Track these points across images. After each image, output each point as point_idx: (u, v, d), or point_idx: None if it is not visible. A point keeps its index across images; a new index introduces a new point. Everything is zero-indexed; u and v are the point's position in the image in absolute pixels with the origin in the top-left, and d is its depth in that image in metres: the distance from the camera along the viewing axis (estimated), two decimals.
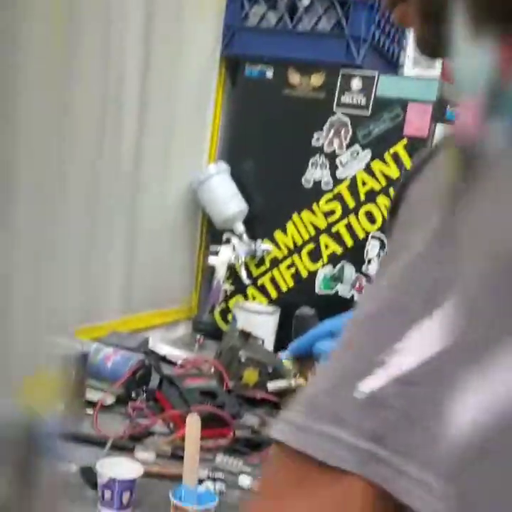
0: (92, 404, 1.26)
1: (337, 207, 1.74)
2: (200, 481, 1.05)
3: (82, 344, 1.25)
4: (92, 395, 1.29)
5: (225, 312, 1.87)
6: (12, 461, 0.32)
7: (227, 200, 1.82)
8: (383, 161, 1.68)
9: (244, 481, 1.08)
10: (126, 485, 0.95)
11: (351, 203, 1.72)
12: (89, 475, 1.02)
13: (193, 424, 0.98)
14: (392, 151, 1.67)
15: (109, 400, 1.30)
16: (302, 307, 1.49)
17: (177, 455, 1.12)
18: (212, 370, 1.45)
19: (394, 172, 1.66)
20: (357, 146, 1.71)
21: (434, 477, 0.44)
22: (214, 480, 1.06)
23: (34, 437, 0.33)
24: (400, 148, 1.66)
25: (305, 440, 0.39)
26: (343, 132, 1.72)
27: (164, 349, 1.66)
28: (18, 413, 0.32)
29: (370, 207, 1.69)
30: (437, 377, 0.46)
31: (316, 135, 1.76)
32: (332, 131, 1.74)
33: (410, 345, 0.50)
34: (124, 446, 1.14)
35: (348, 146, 1.72)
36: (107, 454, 1.11)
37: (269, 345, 1.70)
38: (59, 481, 0.34)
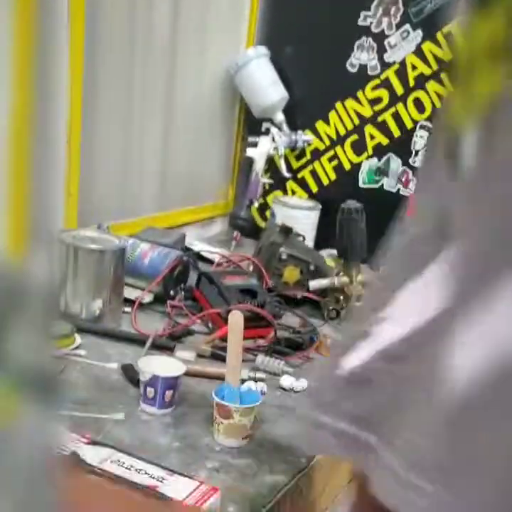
0: (129, 302, 1.24)
1: (384, 94, 1.62)
2: (242, 381, 1.04)
3: (119, 239, 1.20)
4: (129, 293, 1.27)
5: (263, 208, 1.80)
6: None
7: (266, 86, 1.71)
8: (435, 42, 1.54)
9: (286, 381, 1.05)
10: (169, 382, 0.93)
11: (399, 90, 1.59)
12: (130, 372, 1.01)
13: (235, 321, 0.94)
14: (445, 30, 1.52)
15: (147, 298, 1.27)
16: (348, 201, 1.42)
17: (217, 355, 1.10)
18: (252, 267, 1.40)
19: (447, 54, 1.52)
20: (407, 26, 1.57)
21: (422, 478, 0.39)
22: (255, 380, 1.04)
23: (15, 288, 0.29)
24: (454, 27, 1.51)
25: (301, 432, 0.35)
26: (392, 10, 1.58)
27: (200, 246, 1.61)
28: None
29: (419, 93, 1.57)
30: (431, 341, 0.40)
31: (362, 14, 1.61)
32: (380, 9, 1.59)
33: (397, 312, 0.43)
34: (163, 345, 1.12)
35: (398, 25, 1.58)
36: (146, 353, 1.09)
37: (310, 242, 1.65)
38: (54, 329, 0.30)
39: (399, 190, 1.64)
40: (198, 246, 1.64)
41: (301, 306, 1.37)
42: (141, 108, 1.52)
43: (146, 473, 0.73)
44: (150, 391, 0.93)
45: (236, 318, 0.94)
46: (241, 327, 0.94)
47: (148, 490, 0.70)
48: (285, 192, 1.81)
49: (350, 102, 1.67)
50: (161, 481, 0.72)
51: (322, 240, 1.65)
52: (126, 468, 0.74)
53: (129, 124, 1.50)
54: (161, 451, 0.84)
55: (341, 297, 1.30)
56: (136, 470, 0.73)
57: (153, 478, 0.72)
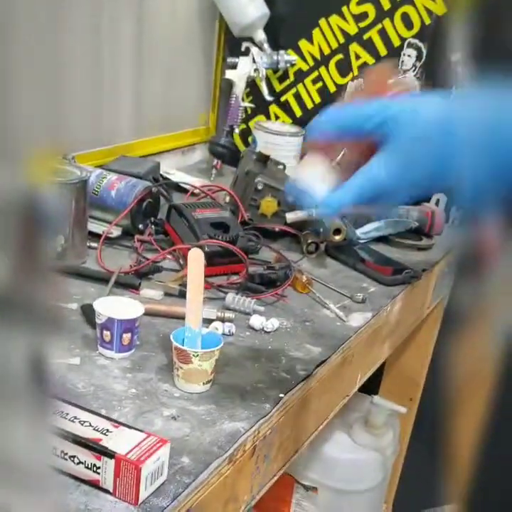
0: (98, 237, 1.17)
1: (370, 9, 1.50)
2: (210, 321, 0.98)
3: (80, 169, 1.12)
4: (96, 228, 1.20)
5: (245, 133, 1.71)
6: (12, 240, 0.25)
7: (245, 3, 1.59)
8: None
9: (256, 320, 1.00)
10: (126, 325, 0.87)
11: (386, 4, 1.47)
12: (90, 313, 0.96)
13: (195, 258, 0.88)
14: None
15: (115, 232, 1.20)
16: None
17: (185, 293, 1.04)
18: (228, 199, 1.33)
19: None
20: None
21: None
22: (223, 320, 0.99)
23: (36, 213, 0.25)
24: None
25: None
26: None
27: (177, 176, 1.54)
28: (19, 187, 0.24)
29: (407, 8, 1.45)
30: None
31: None
32: None
33: None
34: (128, 283, 1.06)
35: None
36: (110, 292, 1.04)
37: (292, 170, 1.56)
38: (59, 263, 0.28)
39: None
40: (175, 175, 1.56)
41: (280, 240, 1.30)
42: (110, 29, 1.41)
43: (90, 425, 0.68)
44: (106, 334, 0.87)
45: (195, 256, 0.87)
46: (201, 265, 0.87)
47: (90, 443, 0.66)
48: (268, 117, 1.71)
49: (334, 19, 1.55)
50: (105, 434, 0.67)
51: None
52: (69, 420, 0.69)
53: (98, 46, 1.40)
54: (115, 398, 0.80)
55: (321, 230, 1.23)
56: (80, 422, 0.69)
57: (97, 430, 0.68)
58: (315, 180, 0.65)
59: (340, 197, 0.63)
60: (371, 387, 1.48)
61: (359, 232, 1.33)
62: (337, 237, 1.19)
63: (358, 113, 0.63)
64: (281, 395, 0.85)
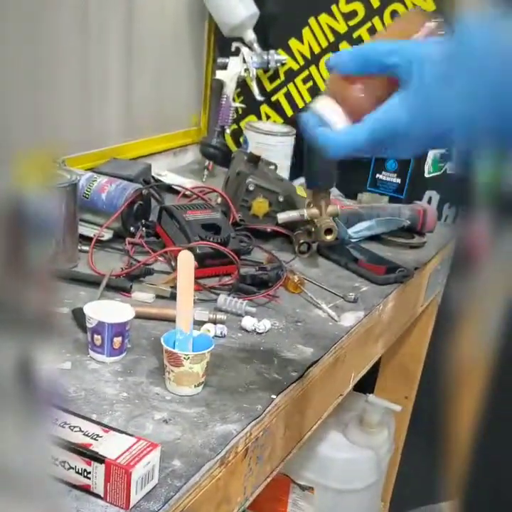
0: (89, 240, 1.17)
1: (359, 7, 1.50)
2: (202, 323, 0.98)
3: (70, 173, 1.12)
4: (87, 231, 1.20)
5: (237, 134, 1.71)
6: (2, 244, 0.25)
7: (235, 2, 1.59)
8: None
9: (248, 322, 1.00)
10: (117, 329, 0.87)
11: (375, 2, 1.47)
12: (81, 317, 0.95)
13: (185, 261, 0.88)
14: None
15: (107, 235, 1.20)
16: None
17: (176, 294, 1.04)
18: (219, 200, 1.33)
19: None
20: None
21: None
22: (214, 322, 0.99)
23: (26, 217, 0.25)
24: None
25: None
26: None
27: (169, 177, 1.53)
28: (8, 190, 0.24)
29: (396, 6, 1.45)
30: None
31: None
32: None
33: None
34: (119, 287, 1.06)
35: None
36: (102, 295, 1.04)
37: (284, 171, 1.56)
38: (51, 268, 0.27)
39: None
40: (167, 176, 1.56)
41: (272, 241, 1.30)
42: (98, 30, 1.41)
43: (80, 430, 0.68)
44: (97, 338, 0.87)
45: (185, 258, 0.87)
46: (191, 267, 0.87)
47: (80, 449, 0.66)
48: (259, 117, 1.71)
49: (324, 17, 1.55)
50: (95, 439, 0.67)
51: (299, 168, 1.57)
52: (59, 425, 0.69)
53: (86, 48, 1.39)
54: (106, 402, 0.80)
55: (313, 230, 1.23)
56: (70, 427, 0.69)
57: (87, 435, 0.68)
58: (330, 117, 0.64)
59: (355, 135, 0.61)
60: (366, 385, 1.48)
61: (351, 231, 1.33)
62: (329, 237, 1.19)
63: (380, 47, 0.61)
64: (273, 397, 0.85)
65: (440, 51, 0.58)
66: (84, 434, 0.68)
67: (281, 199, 1.28)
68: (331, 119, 0.63)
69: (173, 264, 1.15)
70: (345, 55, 0.64)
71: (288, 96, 1.66)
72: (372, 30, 1.49)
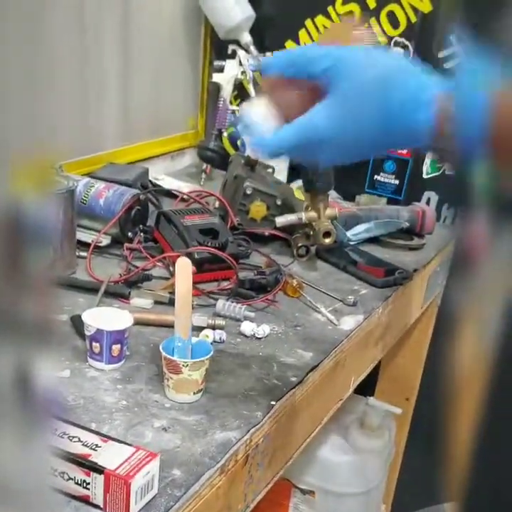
0: (87, 246, 1.17)
1: (355, 9, 1.49)
2: (201, 329, 0.98)
3: (67, 179, 1.12)
4: (86, 237, 1.20)
5: (234, 137, 1.70)
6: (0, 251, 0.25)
7: (230, 5, 1.58)
8: None
9: (246, 327, 0.99)
10: (116, 336, 0.87)
11: (372, 3, 1.47)
12: (79, 325, 0.95)
13: (182, 267, 0.87)
14: None
15: (105, 241, 1.20)
16: None
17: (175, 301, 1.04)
18: (217, 204, 1.32)
19: None
20: None
21: None
22: (213, 328, 0.98)
23: (24, 224, 0.25)
24: None
25: None
26: None
27: (167, 181, 1.53)
28: (6, 197, 0.23)
29: (392, 7, 1.44)
30: None
31: None
32: None
33: None
34: (118, 293, 1.06)
35: None
36: (100, 301, 1.03)
37: (282, 174, 1.56)
38: (50, 275, 0.27)
39: None
40: (164, 180, 1.55)
41: (270, 244, 1.30)
42: (94, 34, 1.40)
43: (79, 440, 0.68)
44: (96, 346, 0.87)
45: (183, 265, 0.87)
46: (189, 274, 0.87)
47: (79, 459, 0.65)
48: None
49: (320, 19, 1.55)
50: (94, 449, 0.67)
51: (297, 171, 1.56)
52: (58, 435, 0.68)
53: (83, 52, 1.39)
54: (105, 410, 0.79)
55: (311, 233, 1.23)
56: (68, 437, 0.68)
57: (86, 446, 0.67)
58: (259, 119, 0.65)
59: (279, 138, 0.63)
60: (366, 388, 1.48)
61: (349, 233, 1.33)
62: (327, 240, 1.19)
63: (307, 54, 0.63)
64: (273, 403, 0.84)
65: (365, 61, 0.61)
66: (83, 445, 0.67)
67: (279, 202, 1.28)
68: (261, 120, 0.65)
69: (171, 269, 1.15)
70: (277, 58, 0.66)
71: None
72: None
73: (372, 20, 1.48)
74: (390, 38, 1.47)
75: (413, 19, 1.43)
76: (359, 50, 0.64)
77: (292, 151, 0.66)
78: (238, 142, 1.66)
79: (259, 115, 0.66)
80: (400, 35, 1.45)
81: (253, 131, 0.66)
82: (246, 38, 1.61)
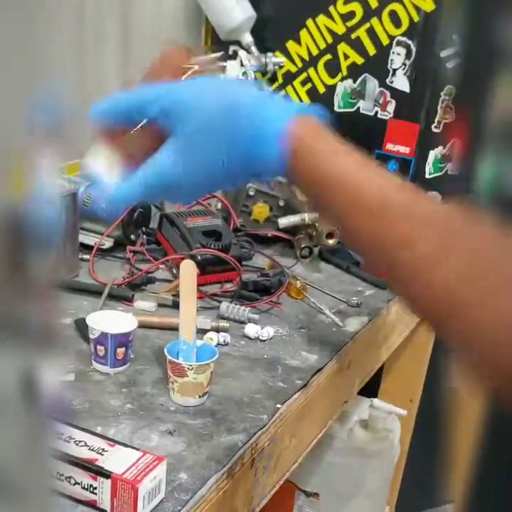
0: (89, 249, 1.16)
1: (357, 8, 1.49)
2: (205, 331, 0.97)
3: (69, 182, 1.11)
4: (88, 240, 1.19)
5: None
6: (1, 255, 0.24)
7: (231, 5, 1.58)
8: None
9: (250, 329, 0.99)
10: (120, 339, 0.87)
11: (374, 2, 1.47)
12: (84, 328, 0.95)
13: (187, 270, 0.87)
14: None
15: (107, 243, 1.19)
16: None
17: (179, 304, 1.03)
18: (220, 206, 1.32)
19: None
20: None
21: None
22: (217, 330, 0.98)
23: (25, 228, 0.24)
24: None
25: None
26: None
27: None
28: (7, 201, 0.23)
29: (395, 6, 1.44)
30: None
31: None
32: None
33: None
34: (121, 296, 1.05)
35: None
36: (104, 305, 1.03)
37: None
38: (53, 278, 0.26)
39: (376, 113, 1.53)
40: None
41: (273, 246, 1.30)
42: (94, 35, 1.40)
43: (85, 444, 0.67)
44: (100, 349, 0.86)
45: (187, 268, 0.86)
46: (194, 276, 0.86)
47: (86, 464, 0.65)
48: None
49: (321, 19, 1.54)
50: (100, 453, 0.66)
51: None
52: (64, 440, 0.68)
53: (82, 53, 1.39)
54: (111, 414, 0.79)
55: (314, 234, 1.23)
56: (75, 442, 0.68)
57: (93, 450, 0.67)
58: (102, 173, 0.61)
59: (127, 191, 0.59)
60: (370, 389, 1.47)
61: None
62: (331, 241, 1.18)
63: (138, 98, 0.59)
64: (279, 406, 0.84)
65: (203, 97, 0.58)
66: (89, 449, 0.67)
67: (281, 203, 1.28)
68: (104, 172, 0.60)
69: (174, 271, 1.15)
70: (103, 110, 0.61)
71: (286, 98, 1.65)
72: (370, 31, 1.48)
73: (374, 20, 1.47)
74: (392, 38, 1.46)
75: (416, 18, 1.42)
76: (196, 84, 0.60)
77: (142, 200, 0.63)
78: None
79: (102, 167, 0.61)
80: (402, 35, 1.44)
81: (97, 186, 0.61)
82: (247, 38, 1.60)
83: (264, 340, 0.98)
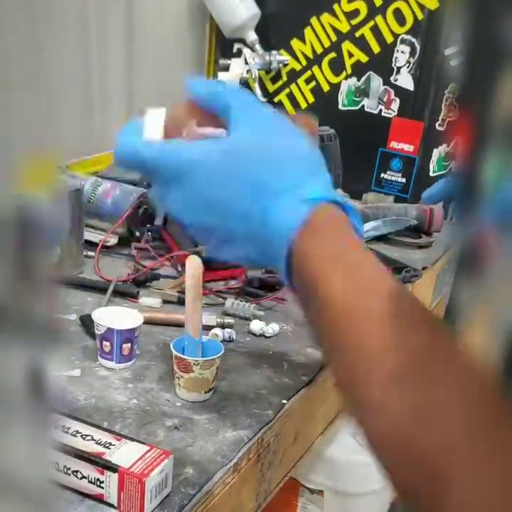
0: (94, 245, 1.17)
1: (361, 6, 1.49)
2: (210, 328, 0.98)
3: (74, 178, 1.12)
4: (94, 236, 1.20)
5: None
6: (7, 252, 0.25)
7: (235, 3, 1.58)
8: None
9: (256, 325, 0.99)
10: (126, 335, 0.87)
11: (378, 0, 1.47)
12: (89, 324, 0.95)
13: (193, 266, 0.87)
14: None
15: (112, 240, 1.20)
16: (320, 127, 1.32)
17: (184, 300, 1.03)
18: None
19: None
20: None
21: None
22: (223, 326, 0.98)
23: (31, 225, 0.25)
24: None
25: None
26: None
27: None
28: (13, 199, 0.24)
29: (399, 4, 1.44)
30: None
31: None
32: None
33: None
34: (126, 292, 1.06)
35: None
36: (109, 301, 1.03)
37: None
38: (57, 274, 0.27)
39: (381, 111, 1.53)
40: None
41: None
42: (98, 33, 1.40)
43: (92, 439, 0.68)
44: (106, 345, 0.87)
45: (193, 263, 0.86)
46: (199, 273, 0.86)
47: (92, 458, 0.65)
48: None
49: (326, 17, 1.54)
50: (107, 447, 0.67)
51: None
52: (71, 434, 0.68)
53: (87, 51, 1.39)
54: (117, 409, 0.79)
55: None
56: (81, 436, 0.68)
57: (100, 444, 0.67)
58: (149, 125, 0.60)
59: (144, 148, 0.57)
60: None
61: None
62: None
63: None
64: (284, 402, 0.84)
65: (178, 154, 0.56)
66: (96, 443, 0.67)
67: None
68: (147, 126, 0.60)
69: (179, 268, 1.15)
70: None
71: (290, 97, 1.65)
72: (374, 29, 1.48)
73: (379, 18, 1.47)
74: (396, 36, 1.46)
75: (420, 16, 1.42)
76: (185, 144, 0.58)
77: (147, 171, 0.58)
78: None
79: (150, 122, 0.60)
80: (407, 33, 1.45)
81: (127, 129, 0.60)
82: (251, 36, 1.60)
83: (269, 337, 0.99)
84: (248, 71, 1.61)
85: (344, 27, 1.53)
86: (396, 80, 1.49)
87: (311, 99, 1.63)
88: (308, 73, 1.61)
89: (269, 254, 0.54)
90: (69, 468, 0.66)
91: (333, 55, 1.56)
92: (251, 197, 0.54)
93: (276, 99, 1.67)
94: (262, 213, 0.53)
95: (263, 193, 0.53)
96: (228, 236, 0.56)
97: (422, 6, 1.42)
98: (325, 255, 0.51)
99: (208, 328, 0.96)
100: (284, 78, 1.65)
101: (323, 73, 1.59)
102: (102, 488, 0.65)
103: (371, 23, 1.49)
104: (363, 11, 1.49)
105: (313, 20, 1.56)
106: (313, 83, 1.61)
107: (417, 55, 1.45)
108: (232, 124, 0.57)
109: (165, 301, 1.05)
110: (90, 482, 0.65)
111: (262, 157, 0.55)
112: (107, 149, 1.48)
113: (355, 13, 1.50)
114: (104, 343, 0.87)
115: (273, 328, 0.99)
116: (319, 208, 0.52)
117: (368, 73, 1.52)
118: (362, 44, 1.51)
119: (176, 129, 0.60)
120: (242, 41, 1.62)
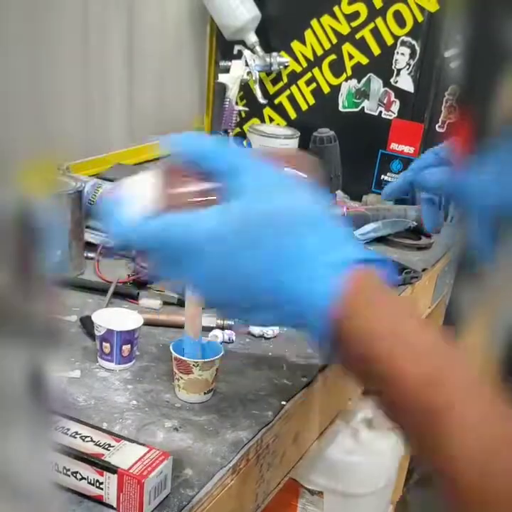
0: (94, 247, 1.17)
1: (361, 8, 1.49)
2: (210, 329, 0.98)
3: (75, 180, 1.12)
4: (93, 238, 1.20)
5: (240, 138, 1.71)
6: (8, 253, 0.25)
7: (235, 5, 1.58)
8: None
9: (255, 327, 0.99)
10: (126, 336, 0.87)
11: (378, 2, 1.47)
12: (89, 325, 0.95)
13: None
14: None
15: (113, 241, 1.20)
16: (320, 128, 1.33)
17: (184, 302, 1.04)
18: None
19: None
20: None
21: None
22: (222, 328, 0.98)
23: (32, 227, 0.25)
24: None
25: None
26: None
27: None
28: (13, 201, 0.24)
29: (399, 6, 1.44)
30: None
31: None
32: None
33: None
34: (127, 294, 1.06)
35: None
36: (109, 302, 1.03)
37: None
38: (57, 276, 0.27)
39: (381, 113, 1.53)
40: None
41: None
42: (99, 36, 1.41)
43: (91, 440, 0.68)
44: (106, 346, 0.87)
45: None
46: None
47: (92, 459, 0.65)
48: (262, 120, 1.70)
49: (326, 19, 1.55)
50: (107, 449, 0.67)
51: None
52: (70, 435, 0.68)
53: (88, 53, 1.39)
54: (117, 410, 0.79)
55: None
56: (81, 437, 0.68)
57: (99, 445, 0.67)
58: (135, 199, 0.53)
59: (137, 229, 0.52)
60: None
61: (357, 233, 1.33)
62: None
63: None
64: (283, 403, 0.84)
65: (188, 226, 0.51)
66: (95, 444, 0.67)
67: None
68: (129, 204, 0.53)
69: None
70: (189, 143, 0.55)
71: (291, 98, 1.65)
72: (375, 31, 1.48)
73: (379, 20, 1.48)
74: (397, 38, 1.46)
75: (420, 18, 1.42)
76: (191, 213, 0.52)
77: (149, 247, 0.53)
78: (244, 142, 1.66)
79: (141, 194, 0.53)
80: (407, 35, 1.45)
81: (120, 208, 0.53)
82: (252, 38, 1.61)
83: (269, 338, 0.99)
84: (248, 73, 1.61)
85: (344, 29, 1.53)
86: (396, 82, 1.49)
87: (311, 100, 1.63)
88: (309, 75, 1.61)
89: (301, 325, 0.51)
90: (68, 470, 0.66)
91: (333, 56, 1.56)
92: (275, 269, 0.50)
93: (276, 101, 1.68)
94: (290, 285, 0.49)
95: (287, 265, 0.49)
96: (252, 305, 0.52)
97: (422, 9, 1.42)
98: (381, 331, 0.47)
99: (207, 329, 0.97)
100: (285, 80, 1.65)
101: (323, 75, 1.59)
102: (102, 489, 0.65)
103: (371, 25, 1.49)
104: (363, 13, 1.49)
105: (314, 22, 1.56)
106: (314, 85, 1.61)
107: (417, 57, 1.45)
108: (237, 188, 0.51)
109: (165, 303, 1.05)
110: (89, 483, 0.65)
111: (278, 224, 0.50)
112: (108, 151, 1.49)
113: (356, 15, 1.50)
114: (104, 344, 0.87)
115: (273, 329, 0.99)
116: (353, 274, 0.48)
117: (368, 75, 1.53)
118: (362, 46, 1.51)
119: (171, 198, 0.54)
120: (243, 43, 1.62)
